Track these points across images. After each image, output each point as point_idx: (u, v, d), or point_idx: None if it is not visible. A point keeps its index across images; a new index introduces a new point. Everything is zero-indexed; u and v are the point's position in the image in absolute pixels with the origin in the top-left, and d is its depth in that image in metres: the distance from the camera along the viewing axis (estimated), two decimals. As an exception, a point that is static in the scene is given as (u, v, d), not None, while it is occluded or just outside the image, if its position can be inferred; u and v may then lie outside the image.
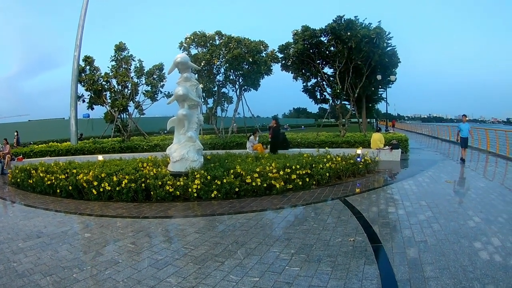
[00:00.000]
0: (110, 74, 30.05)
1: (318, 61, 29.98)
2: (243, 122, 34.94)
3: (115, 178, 12.65)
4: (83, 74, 29.53)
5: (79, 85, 29.31)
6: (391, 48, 31.60)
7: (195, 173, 12.59)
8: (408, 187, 13.29)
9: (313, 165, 14.23)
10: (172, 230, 9.11)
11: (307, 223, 9.02)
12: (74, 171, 13.91)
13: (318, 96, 34.54)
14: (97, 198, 12.90)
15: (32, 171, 15.56)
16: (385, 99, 48.93)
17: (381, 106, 67.77)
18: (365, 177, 15.79)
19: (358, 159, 16.32)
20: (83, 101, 30.55)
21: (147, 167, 14.10)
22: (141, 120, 33.45)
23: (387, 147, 21.75)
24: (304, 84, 33.34)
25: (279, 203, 11.45)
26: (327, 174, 14.32)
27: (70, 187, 13.50)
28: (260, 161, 14.74)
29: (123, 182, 12.47)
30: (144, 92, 30.57)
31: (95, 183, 12.87)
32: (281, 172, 13.06)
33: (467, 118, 19.74)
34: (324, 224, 8.87)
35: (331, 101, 32.58)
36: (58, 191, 14.03)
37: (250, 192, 12.54)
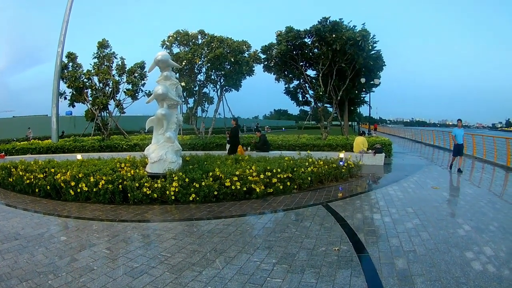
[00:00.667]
0: (92, 71, 29.47)
1: (301, 63, 29.79)
2: (224, 123, 34.75)
3: (92, 179, 12.33)
4: (65, 71, 29.00)
5: (61, 82, 28.84)
6: (376, 51, 31.73)
7: (173, 175, 12.36)
8: (393, 193, 13.16)
9: (295, 169, 14.02)
10: (149, 235, 8.85)
11: (289, 230, 8.80)
12: (52, 170, 13.62)
13: (300, 98, 34.16)
14: (74, 198, 12.59)
15: (12, 169, 15.21)
16: (368, 103, 49.46)
17: (363, 110, 68.39)
18: (348, 182, 15.60)
19: (341, 163, 16.15)
20: (65, 98, 29.86)
21: (125, 167, 13.85)
22: (122, 118, 33.07)
23: (370, 151, 21.63)
24: (286, 85, 33.18)
25: (260, 207, 11.21)
26: (309, 178, 14.15)
27: (48, 187, 13.18)
28: (240, 164, 14.49)
29: (100, 183, 12.17)
30: (125, 90, 30.15)
31: (73, 183, 12.53)
32: (262, 176, 12.84)
33: (462, 123, 19.31)
34: (307, 232, 8.65)
35: (313, 103, 32.29)
36: (36, 190, 13.73)
37: (229, 195, 12.32)
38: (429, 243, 7.61)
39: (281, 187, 13.16)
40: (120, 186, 12.22)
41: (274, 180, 13.06)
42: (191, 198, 11.85)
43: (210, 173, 12.57)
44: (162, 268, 6.66)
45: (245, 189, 12.41)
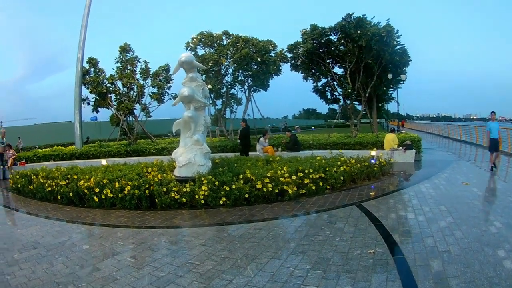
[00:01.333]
0: (115, 76, 29.49)
1: (328, 61, 29.61)
2: (253, 124, 34.48)
3: (117, 185, 12.10)
4: (87, 76, 29.03)
5: (83, 87, 28.95)
6: (400, 46, 30.94)
7: (202, 178, 11.99)
8: (425, 190, 12.75)
9: (327, 169, 13.65)
10: (177, 242, 8.48)
11: (322, 233, 8.40)
12: (75, 177, 13.44)
13: (329, 97, 34.05)
14: (99, 205, 12.39)
15: (32, 177, 15.10)
16: (396, 99, 48.80)
17: (390, 106, 67.60)
18: (380, 180, 15.24)
19: (373, 161, 15.79)
20: (88, 104, 29.98)
21: (152, 172, 13.61)
22: (148, 122, 33.05)
23: (401, 148, 21.26)
24: (314, 84, 33.04)
25: (292, 210, 10.81)
26: (341, 177, 13.72)
27: (71, 194, 13.00)
28: (271, 165, 14.10)
29: (126, 188, 11.91)
30: (150, 94, 30.10)
31: (97, 190, 12.34)
32: (294, 177, 12.41)
33: (496, 116, 18.43)
34: (341, 234, 8.26)
35: (342, 101, 32.10)
36: (59, 197, 13.55)
37: (260, 198, 11.94)
38: (463, 242, 7.34)
39: (313, 187, 12.73)
40: (147, 191, 11.95)
41: (307, 180, 12.65)
42: (221, 202, 11.52)
43: (241, 176, 12.22)
44: (190, 277, 6.29)
45: (277, 191, 12.01)
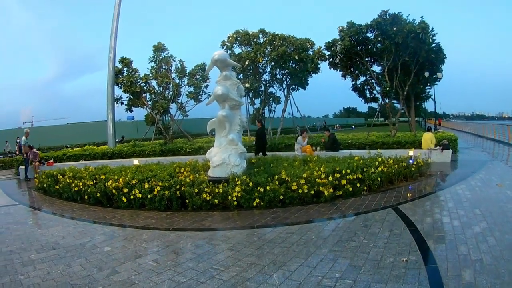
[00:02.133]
0: (150, 75, 29.70)
1: (366, 59, 29.39)
2: (292, 123, 34.25)
3: (146, 185, 11.93)
4: (120, 76, 29.28)
5: (116, 87, 29.23)
6: (436, 44, 30.68)
7: (236, 179, 11.72)
8: (461, 192, 12.27)
9: (365, 169, 13.28)
10: (203, 245, 8.14)
11: (356, 238, 8.03)
12: (103, 177, 13.33)
13: (368, 95, 33.97)
14: (127, 206, 12.29)
15: (59, 176, 15.12)
16: (433, 97, 48.73)
17: (427, 105, 67.01)
18: (417, 181, 14.82)
19: (411, 161, 15.38)
20: (122, 103, 30.29)
21: (184, 172, 13.39)
22: (185, 121, 33.33)
23: (438, 147, 20.77)
24: (353, 82, 32.97)
25: (327, 212, 10.45)
26: (379, 178, 13.28)
27: (98, 194, 12.92)
28: (308, 165, 13.78)
29: (156, 189, 11.74)
30: (187, 93, 30.19)
31: (125, 190, 12.20)
32: (330, 178, 12.00)
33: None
34: (375, 240, 7.90)
35: (380, 99, 31.95)
36: (86, 197, 13.50)
37: (296, 200, 11.56)
38: (495, 250, 6.92)
39: (350, 189, 12.29)
40: (177, 192, 11.75)
41: (344, 181, 12.26)
42: (254, 204, 11.21)
43: (276, 176, 11.92)
44: (211, 284, 5.97)
45: (312, 192, 11.59)
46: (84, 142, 40.44)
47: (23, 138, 21.43)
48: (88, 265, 7.11)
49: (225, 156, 12.84)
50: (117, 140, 34.68)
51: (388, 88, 28.16)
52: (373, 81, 30.72)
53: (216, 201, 11.40)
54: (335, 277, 6.05)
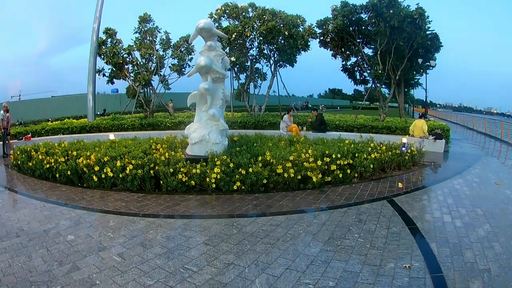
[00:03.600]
0: (133, 46, 28.54)
1: (358, 40, 28.83)
2: (278, 101, 33.52)
3: (118, 163, 10.94)
4: (103, 47, 28.14)
5: (99, 58, 28.24)
6: (431, 31, 30.79)
7: (216, 159, 10.85)
8: (459, 188, 11.50)
9: (356, 154, 12.42)
10: (175, 237, 7.22)
11: (350, 236, 7.23)
12: (75, 153, 12.28)
13: (358, 77, 33.34)
14: (98, 185, 11.32)
15: (32, 152, 14.03)
16: (422, 85, 49.49)
17: (414, 92, 67.08)
18: (411, 171, 14.03)
19: (404, 148, 14.61)
20: (104, 75, 29.09)
21: (160, 149, 12.53)
22: (167, 95, 32.49)
23: (431, 136, 20.08)
24: (344, 63, 32.29)
25: (316, 201, 9.57)
26: (371, 165, 12.48)
27: (69, 172, 11.88)
28: (295, 146, 12.98)
29: (128, 168, 10.78)
30: (170, 65, 29.18)
31: (96, 168, 11.20)
32: (319, 162, 11.09)
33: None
34: (372, 239, 7.11)
35: (370, 82, 31.30)
36: (57, 176, 12.46)
37: (280, 184, 10.74)
38: (502, 259, 6.25)
39: (340, 175, 11.47)
40: (151, 171, 10.83)
41: (333, 167, 11.37)
42: (235, 187, 10.33)
43: (260, 158, 11.08)
44: (182, 289, 5.10)
45: (299, 177, 10.74)
46: (68, 115, 39.66)
47: (1, 112, 20.32)
48: (49, 257, 6.32)
49: (205, 133, 12.02)
50: (98, 113, 33.91)
51: (380, 71, 27.55)
52: (364, 63, 30.14)
53: (193, 182, 10.51)
54: (329, 285, 5.22)
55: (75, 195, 10.67)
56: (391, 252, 6.47)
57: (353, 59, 31.68)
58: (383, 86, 32.75)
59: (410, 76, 40.00)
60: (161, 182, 10.70)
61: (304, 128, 22.22)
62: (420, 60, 33.12)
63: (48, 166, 12.72)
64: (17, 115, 25.10)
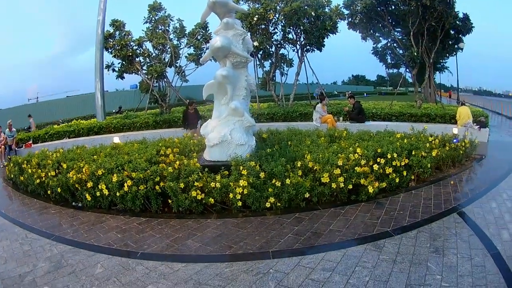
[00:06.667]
0: (145, 37, 26.84)
1: (388, 21, 27.68)
2: (307, 88, 32.48)
3: (115, 178, 8.68)
4: (110, 40, 26.45)
5: (107, 53, 26.57)
6: (462, 13, 29.07)
7: (241, 167, 8.55)
8: None
9: (413, 152, 10.23)
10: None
11: (431, 279, 5.30)
12: (65, 165, 10.26)
13: (389, 60, 32.90)
14: (94, 205, 9.25)
15: (24, 165, 12.06)
16: (448, 68, 48.76)
17: (437, 76, 65.99)
18: (466, 167, 12.00)
19: (455, 140, 12.69)
20: (113, 70, 27.31)
21: (170, 155, 10.33)
22: (185, 88, 31.02)
23: (475, 125, 18.05)
24: (374, 45, 31.49)
25: (375, 221, 7.48)
26: (428, 165, 10.28)
27: (59, 189, 9.80)
28: (338, 144, 10.74)
29: (126, 184, 8.54)
30: (186, 55, 27.27)
31: (89, 185, 9.03)
32: (375, 166, 8.85)
33: None
34: (457, 280, 5.26)
35: (403, 66, 30.39)
36: (49, 192, 10.40)
37: (326, 196, 8.45)
38: None
39: (397, 179, 9.28)
40: (157, 186, 8.54)
41: (389, 170, 9.13)
42: (267, 205, 8.07)
43: (298, 163, 8.80)
44: None
45: (350, 186, 8.44)
46: (83, 115, 38.54)
47: (7, 130, 18.77)
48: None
49: (226, 132, 9.80)
50: (114, 111, 32.98)
51: (415, 53, 25.86)
52: (395, 45, 28.96)
53: (211, 200, 8.24)
54: None
55: (64, 220, 8.79)
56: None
57: (383, 42, 30.87)
58: (408, 71, 31.37)
59: (441, 59, 39.11)
60: (170, 201, 8.53)
61: (341, 118, 20.20)
62: (450, 42, 32.31)
63: (38, 181, 10.78)
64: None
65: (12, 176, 12.90)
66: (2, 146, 18.31)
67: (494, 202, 8.55)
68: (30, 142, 19.92)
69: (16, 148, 18.90)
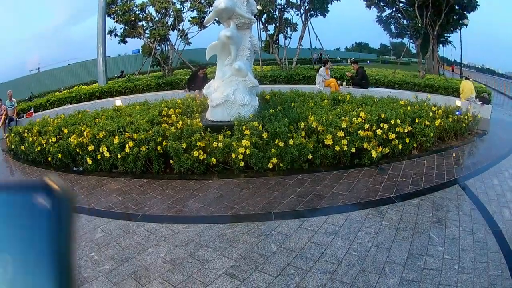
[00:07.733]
0: (147, 2, 26.36)
1: None
2: (310, 53, 32.69)
3: (116, 140, 8.58)
4: (113, 6, 26.16)
5: (109, 19, 26.26)
6: None
7: (243, 126, 8.57)
8: None
9: (416, 120, 10.25)
10: (184, 263, 4.91)
11: (433, 250, 5.28)
12: (66, 130, 10.13)
13: (393, 30, 33.23)
14: (95, 168, 9.15)
15: (24, 134, 11.89)
16: (452, 43, 46.87)
17: (440, 50, 65.53)
18: (468, 141, 12.02)
19: (458, 113, 12.57)
20: (116, 35, 27.13)
21: (172, 116, 10.28)
22: (188, 51, 30.66)
23: (478, 100, 17.77)
24: (379, 14, 31.72)
25: (378, 186, 7.46)
26: (431, 134, 10.28)
27: (60, 155, 9.68)
28: (342, 107, 10.66)
29: (127, 145, 8.46)
30: (189, 19, 27.03)
31: (90, 148, 8.95)
32: (379, 131, 8.79)
33: None
34: (459, 254, 5.23)
35: (407, 36, 30.55)
36: (49, 159, 10.29)
37: (329, 159, 8.41)
38: None
39: (400, 146, 9.27)
40: (158, 147, 8.48)
41: (392, 135, 9.13)
42: (270, 165, 8.09)
43: (302, 124, 8.75)
44: None
45: (353, 150, 8.46)
46: (84, 81, 38.05)
47: (7, 100, 18.62)
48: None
49: (229, 92, 9.77)
50: (116, 75, 32.93)
51: (419, 24, 25.97)
52: (399, 15, 28.96)
53: (214, 160, 8.20)
54: None
55: (65, 184, 8.44)
56: (481, 275, 4.78)
57: (388, 11, 30.97)
58: (411, 41, 31.45)
59: (445, 33, 38.89)
60: (171, 162, 8.48)
61: (344, 83, 20.08)
62: (455, 17, 32.92)
63: (39, 148, 10.62)
64: (34, 88, 23.47)
65: (12, 146, 12.78)
66: (3, 117, 18.26)
67: (496, 179, 8.51)
68: (32, 111, 19.78)
69: (17, 119, 18.66)
